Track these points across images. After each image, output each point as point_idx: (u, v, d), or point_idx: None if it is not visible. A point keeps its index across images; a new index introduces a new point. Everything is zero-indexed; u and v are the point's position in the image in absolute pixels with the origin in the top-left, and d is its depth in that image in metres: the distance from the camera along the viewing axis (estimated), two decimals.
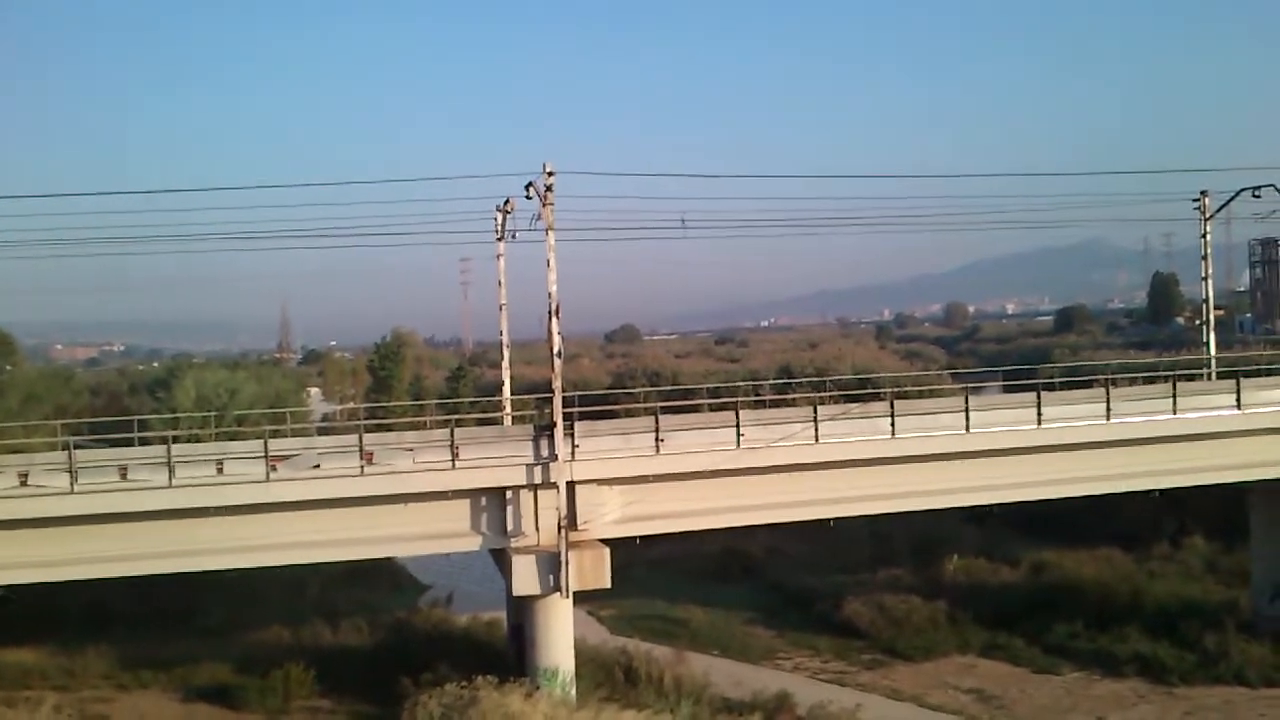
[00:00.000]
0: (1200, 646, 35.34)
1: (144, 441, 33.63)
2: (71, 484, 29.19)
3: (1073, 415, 35.66)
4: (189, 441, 37.10)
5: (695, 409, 38.61)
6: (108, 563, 30.34)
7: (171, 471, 29.66)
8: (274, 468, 30.33)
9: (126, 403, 66.68)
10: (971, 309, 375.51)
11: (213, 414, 49.41)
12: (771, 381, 68.01)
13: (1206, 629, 35.98)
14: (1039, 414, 35.09)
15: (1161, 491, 38.27)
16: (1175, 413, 36.11)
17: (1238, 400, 36.65)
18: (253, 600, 42.11)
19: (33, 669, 36.20)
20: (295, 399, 74.50)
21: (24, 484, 29.51)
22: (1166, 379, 38.78)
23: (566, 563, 30.18)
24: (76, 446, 30.27)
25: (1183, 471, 36.84)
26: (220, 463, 30.78)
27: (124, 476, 29.95)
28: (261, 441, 31.02)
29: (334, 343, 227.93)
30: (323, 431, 54.16)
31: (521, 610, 32.30)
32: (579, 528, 31.34)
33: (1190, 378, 42.38)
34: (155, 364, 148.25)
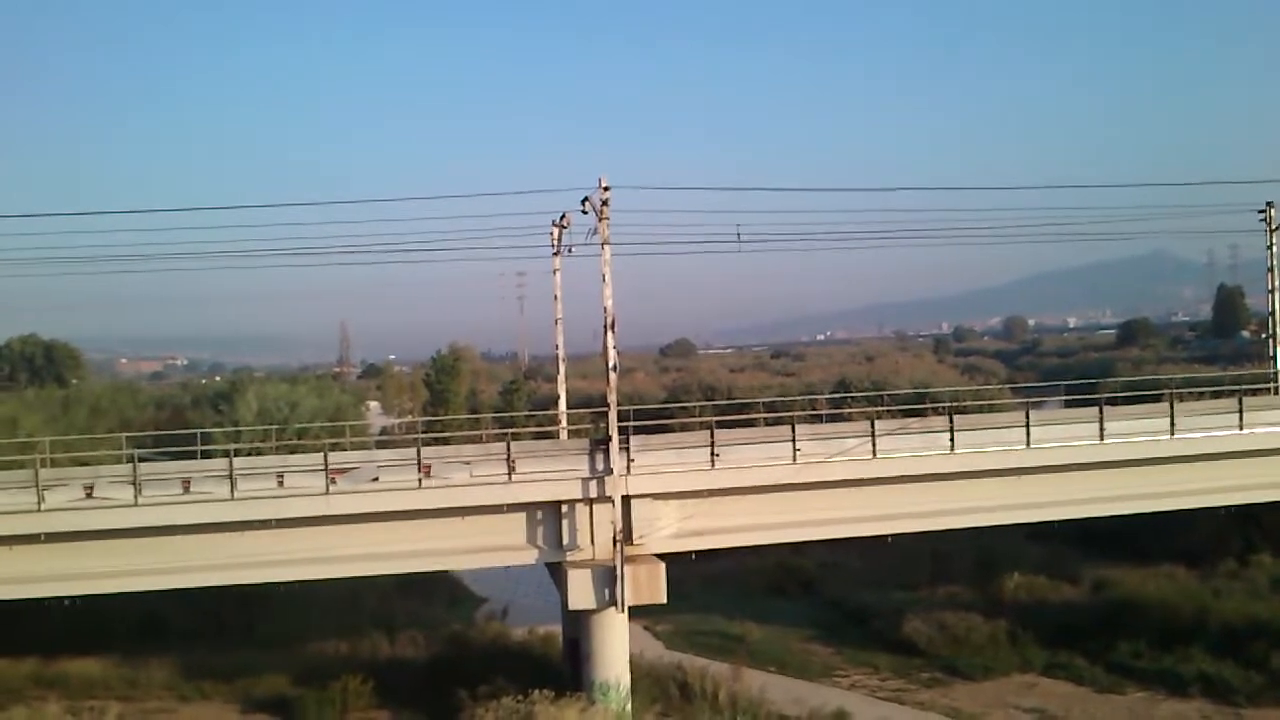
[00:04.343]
0: (1268, 666, 34.47)
1: (206, 454, 34.16)
2: (136, 496, 29.71)
3: (1136, 430, 35.19)
4: (250, 455, 37.59)
5: (751, 423, 38.47)
6: (171, 574, 30.80)
7: (233, 484, 30.10)
8: (333, 481, 30.68)
9: (189, 416, 67.69)
10: (1032, 322, 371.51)
11: (274, 427, 50.08)
12: (828, 396, 67.70)
13: (1274, 649, 35.10)
14: (1102, 429, 34.65)
15: (1227, 508, 37.56)
16: (1241, 428, 35.50)
17: None
18: (309, 612, 42.47)
19: (97, 679, 36.72)
20: (354, 412, 75.33)
21: (90, 496, 30.08)
22: (1232, 393, 38.09)
23: (622, 577, 30.18)
24: (141, 459, 30.80)
25: (1250, 488, 36.20)
26: (281, 476, 31.19)
27: (187, 489, 30.43)
28: (321, 455, 31.39)
29: (393, 357, 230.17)
30: (381, 445, 54.56)
31: (577, 624, 32.32)
32: (634, 542, 31.35)
33: (1256, 392, 41.59)
34: (217, 378, 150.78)
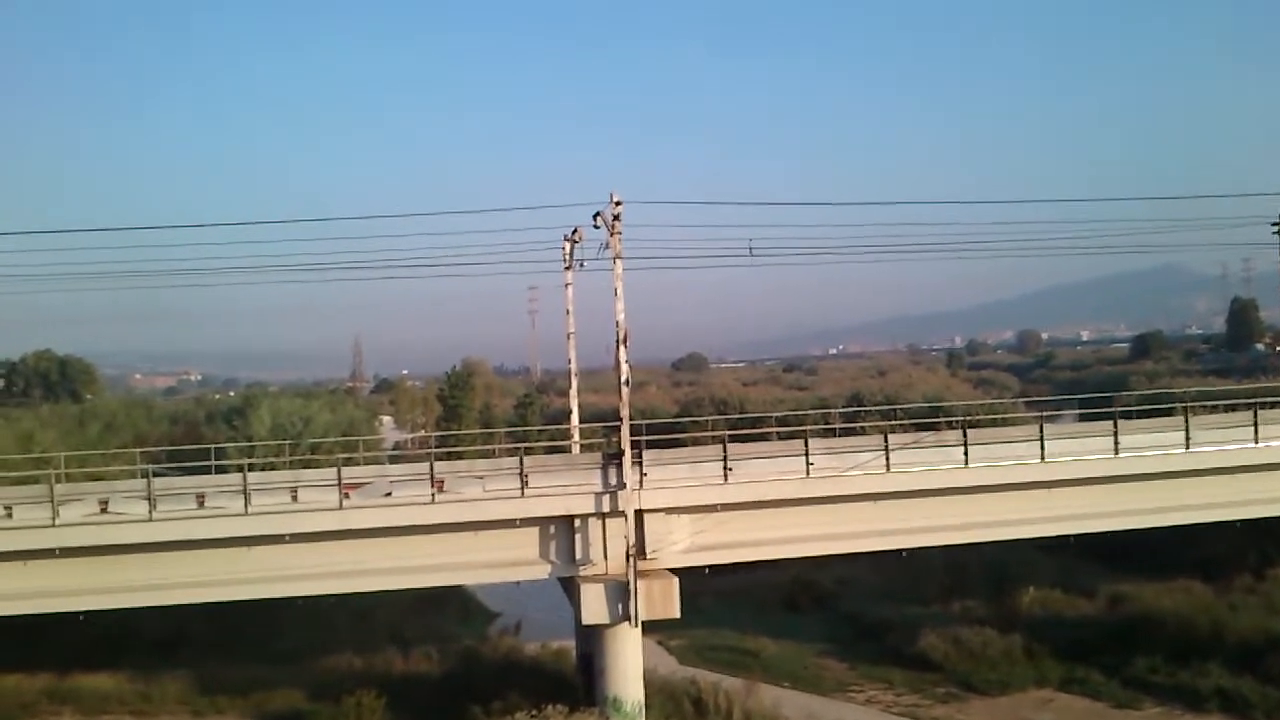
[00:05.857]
0: None
1: (220, 469, 34.22)
2: (150, 511, 29.76)
3: (1151, 444, 35.01)
4: (264, 469, 37.69)
5: (764, 437, 38.39)
6: (185, 589, 30.82)
7: (247, 499, 30.14)
8: (347, 495, 30.71)
9: (203, 431, 67.92)
10: (1045, 336, 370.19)
11: (287, 442, 50.16)
12: (841, 410, 67.56)
13: None
14: (1116, 443, 34.48)
15: (1243, 521, 37.37)
16: (1257, 441, 35.30)
17: None
18: (323, 627, 42.52)
19: (110, 694, 36.82)
20: (368, 427, 75.49)
21: (104, 511, 30.18)
22: (1247, 406, 37.92)
23: (635, 592, 30.11)
24: (155, 474, 30.89)
25: (1265, 501, 35.96)
26: (295, 490, 31.27)
27: (201, 504, 30.50)
28: (335, 469, 31.44)
29: (406, 371, 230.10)
30: (394, 460, 54.67)
31: (590, 639, 32.27)
32: (648, 556, 31.28)
33: (1271, 405, 41.38)
34: (231, 393, 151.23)
